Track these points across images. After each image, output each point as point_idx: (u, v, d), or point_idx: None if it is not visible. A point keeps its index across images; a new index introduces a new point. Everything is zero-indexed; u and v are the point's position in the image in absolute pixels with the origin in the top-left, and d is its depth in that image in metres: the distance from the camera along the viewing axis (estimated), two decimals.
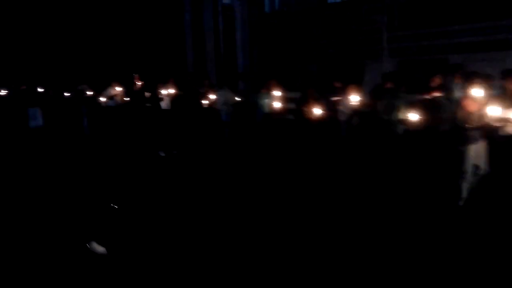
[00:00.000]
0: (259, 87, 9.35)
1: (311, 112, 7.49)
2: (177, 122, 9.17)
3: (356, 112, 7.53)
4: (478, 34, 10.12)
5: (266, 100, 8.88)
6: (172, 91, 9.51)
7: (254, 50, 15.14)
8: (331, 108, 7.69)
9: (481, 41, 10.06)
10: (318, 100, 7.67)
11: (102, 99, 10.59)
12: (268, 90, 8.85)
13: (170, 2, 16.45)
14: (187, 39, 16.35)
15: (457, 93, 7.07)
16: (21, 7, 18.19)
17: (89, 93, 11.28)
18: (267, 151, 8.40)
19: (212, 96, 9.23)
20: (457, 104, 5.83)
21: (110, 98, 10.43)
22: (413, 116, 6.23)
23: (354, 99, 7.32)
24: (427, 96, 6.91)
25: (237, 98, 9.07)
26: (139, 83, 10.27)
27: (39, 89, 13.13)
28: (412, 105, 6.58)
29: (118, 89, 10.27)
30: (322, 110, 7.42)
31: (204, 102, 9.09)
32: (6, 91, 13.81)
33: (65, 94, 12.30)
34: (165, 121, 9.31)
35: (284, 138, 8.33)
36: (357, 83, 8.39)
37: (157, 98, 9.46)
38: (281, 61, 14.20)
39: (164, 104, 9.58)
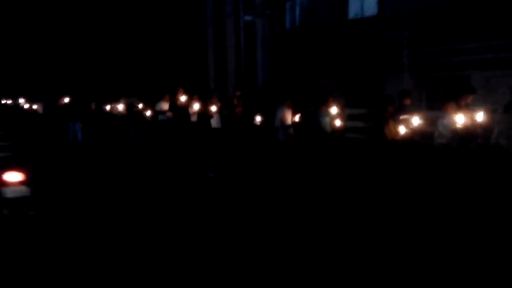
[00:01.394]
0: (318, 104, 8.57)
1: (393, 132, 6.72)
2: (228, 140, 8.59)
3: (459, 134, 6.46)
4: (500, 51, 10.05)
5: (327, 118, 8.18)
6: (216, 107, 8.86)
7: (275, 65, 15.34)
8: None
9: (503, 58, 9.98)
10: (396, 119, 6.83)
11: (148, 113, 10.31)
12: (328, 107, 8.20)
13: (193, 20, 16.87)
14: (209, 55, 16.70)
15: None
16: (68, 21, 18.99)
17: (139, 106, 10.88)
18: (338, 175, 7.48)
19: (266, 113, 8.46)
20: None
21: (161, 113, 10.19)
22: None
23: (459, 119, 6.29)
24: None
25: (297, 117, 8.31)
26: (183, 98, 9.69)
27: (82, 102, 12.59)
28: None
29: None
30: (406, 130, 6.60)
31: (259, 119, 8.31)
32: (41, 104, 14.03)
33: (107, 107, 12.10)
34: (215, 140, 8.72)
35: (356, 160, 7.57)
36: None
37: (207, 115, 8.77)
38: (301, 76, 14.33)
39: (214, 122, 8.91)
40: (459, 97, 6.76)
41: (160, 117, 10.27)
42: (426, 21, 11.09)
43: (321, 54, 13.66)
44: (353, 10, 12.82)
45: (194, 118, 9.67)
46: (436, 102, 10.61)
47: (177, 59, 17.18)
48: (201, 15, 16.69)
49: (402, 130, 6.59)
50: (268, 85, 15.16)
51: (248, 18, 15.21)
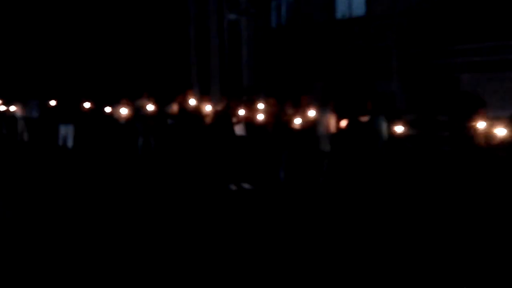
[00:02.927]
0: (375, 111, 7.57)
1: (486, 139, 5.99)
2: (256, 150, 7.71)
3: None
4: (490, 54, 10.00)
5: (384, 124, 7.22)
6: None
7: (260, 65, 15.00)
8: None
9: (492, 61, 9.92)
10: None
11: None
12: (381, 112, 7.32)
13: (175, 17, 16.40)
14: (192, 55, 16.25)
15: None
16: (46, 17, 18.16)
17: (150, 109, 9.77)
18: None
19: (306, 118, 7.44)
20: None
21: (170, 116, 9.57)
22: None
23: None
24: None
25: (343, 122, 7.27)
26: (193, 101, 8.91)
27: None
28: None
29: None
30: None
31: (297, 124, 7.33)
32: (21, 105, 12.62)
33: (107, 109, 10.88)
34: (241, 149, 7.65)
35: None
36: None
37: (231, 122, 7.65)
38: (287, 77, 14.05)
39: (239, 129, 7.85)
40: None
41: (169, 121, 9.66)
42: (415, 22, 10.95)
43: (308, 55, 13.40)
44: (340, 10, 12.62)
45: (207, 120, 8.74)
46: (425, 104, 10.55)
47: (158, 58, 16.68)
48: (184, 13, 16.23)
49: (498, 134, 5.74)
50: (253, 85, 14.83)
51: (232, 16, 14.84)
